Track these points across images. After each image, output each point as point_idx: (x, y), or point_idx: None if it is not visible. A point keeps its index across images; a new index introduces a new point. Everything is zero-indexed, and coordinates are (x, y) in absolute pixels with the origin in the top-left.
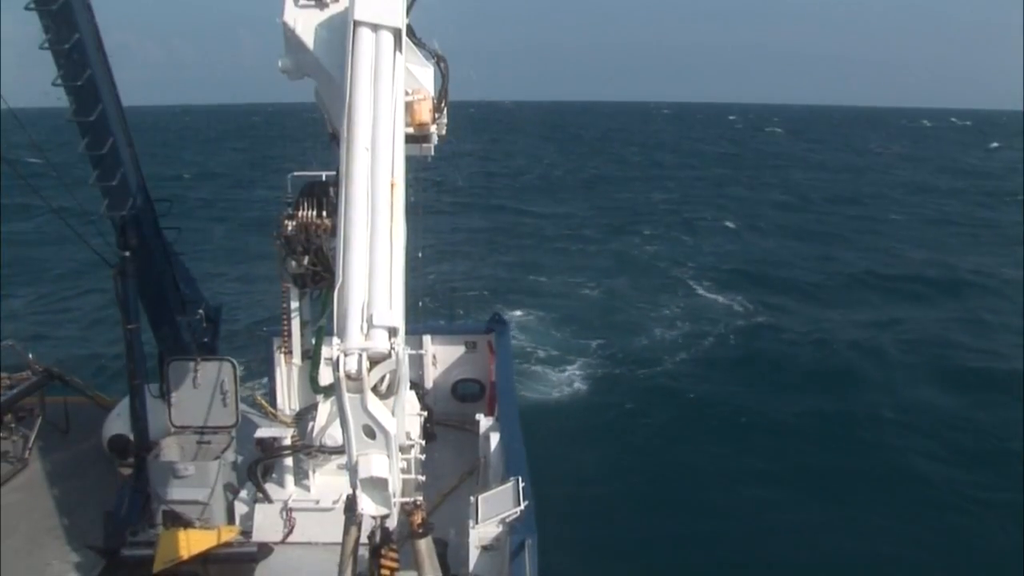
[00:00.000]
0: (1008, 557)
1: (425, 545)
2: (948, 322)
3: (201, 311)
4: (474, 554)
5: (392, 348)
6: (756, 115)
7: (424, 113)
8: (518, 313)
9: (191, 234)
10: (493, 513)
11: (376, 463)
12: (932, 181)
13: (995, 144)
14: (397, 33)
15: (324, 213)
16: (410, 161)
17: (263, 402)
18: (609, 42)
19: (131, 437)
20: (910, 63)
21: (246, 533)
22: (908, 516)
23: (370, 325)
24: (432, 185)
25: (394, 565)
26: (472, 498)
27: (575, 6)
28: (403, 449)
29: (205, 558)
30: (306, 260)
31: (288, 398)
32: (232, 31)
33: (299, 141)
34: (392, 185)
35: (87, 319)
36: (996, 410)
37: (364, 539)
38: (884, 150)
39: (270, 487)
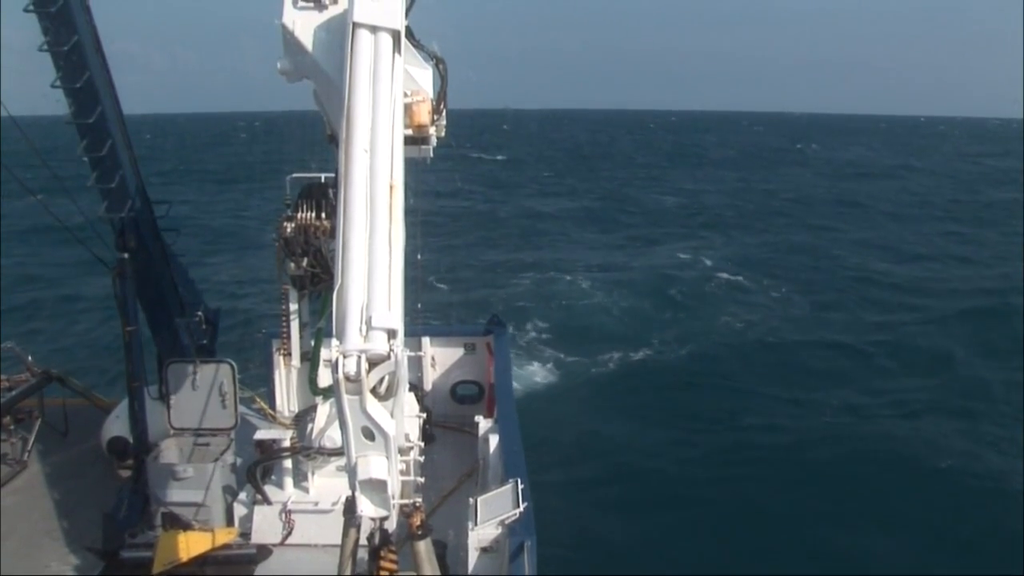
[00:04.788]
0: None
1: (424, 547)
2: None
3: (200, 313)
4: (473, 556)
5: (391, 350)
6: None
7: (423, 115)
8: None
9: None
10: (492, 515)
11: (375, 465)
12: None
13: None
14: (396, 35)
15: (323, 215)
16: (409, 163)
17: (262, 404)
18: (611, 48)
19: (130, 439)
20: (910, 70)
21: (245, 535)
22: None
23: (369, 327)
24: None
25: (393, 567)
26: (471, 500)
27: (577, 9)
28: (402, 451)
29: (204, 560)
30: (305, 262)
31: (287, 400)
32: (234, 38)
33: None
34: (391, 187)
35: (87, 320)
36: None
37: (363, 541)
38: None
39: (269, 489)
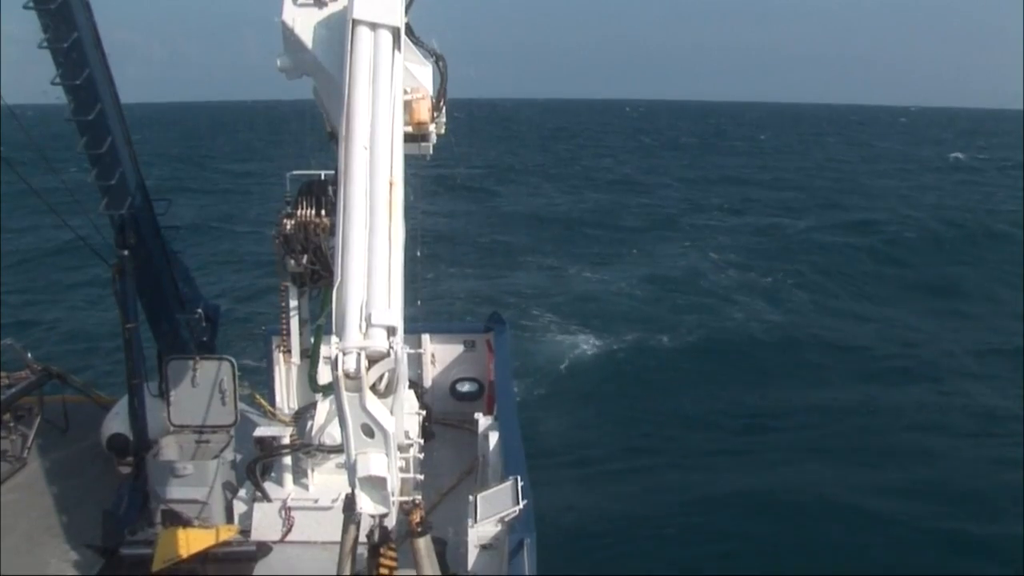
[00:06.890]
0: None
1: (424, 544)
2: None
3: (200, 310)
4: (473, 553)
5: (391, 347)
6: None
7: (423, 112)
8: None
9: None
10: (492, 512)
11: (375, 462)
12: None
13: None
14: (396, 32)
15: (323, 212)
16: (409, 160)
17: (262, 401)
18: (607, 42)
19: (130, 436)
20: (907, 62)
21: (245, 532)
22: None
23: (368, 324)
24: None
25: (392, 564)
26: (471, 497)
27: (575, 5)
28: (402, 448)
29: (204, 557)
30: (305, 259)
31: (287, 397)
32: (235, 30)
33: None
34: (391, 184)
35: (86, 318)
36: None
37: (363, 538)
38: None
39: (269, 486)
